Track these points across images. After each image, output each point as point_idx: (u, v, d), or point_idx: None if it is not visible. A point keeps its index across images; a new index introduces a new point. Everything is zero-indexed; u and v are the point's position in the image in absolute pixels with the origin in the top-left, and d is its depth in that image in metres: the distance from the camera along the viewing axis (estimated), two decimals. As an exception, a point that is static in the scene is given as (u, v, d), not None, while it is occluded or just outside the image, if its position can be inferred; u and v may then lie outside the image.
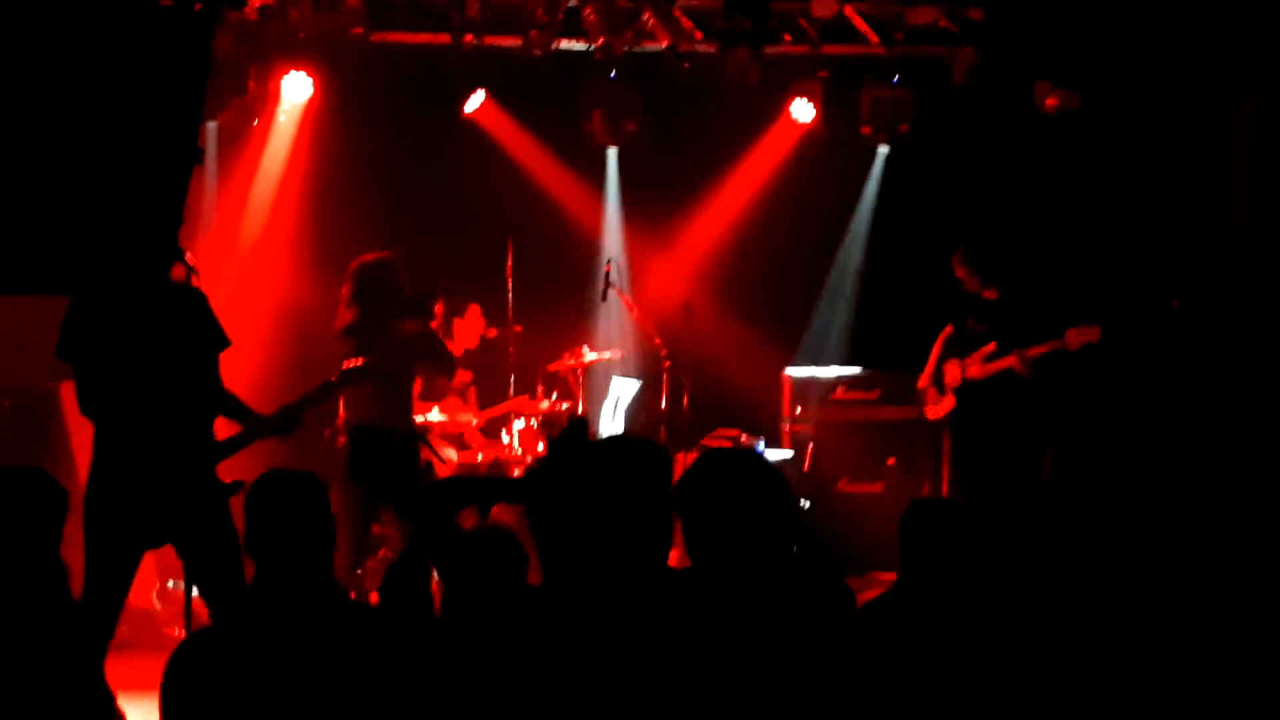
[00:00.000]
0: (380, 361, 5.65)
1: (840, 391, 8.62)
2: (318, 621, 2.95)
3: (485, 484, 3.33)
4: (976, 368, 7.54)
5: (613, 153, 9.66)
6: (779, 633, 2.84)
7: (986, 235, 8.08)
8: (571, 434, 3.09)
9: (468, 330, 8.15)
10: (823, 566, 2.99)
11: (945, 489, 7.74)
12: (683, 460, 7.87)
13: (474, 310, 8.17)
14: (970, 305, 7.72)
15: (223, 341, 4.98)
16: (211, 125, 8.36)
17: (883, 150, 9.61)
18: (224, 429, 4.96)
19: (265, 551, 3.02)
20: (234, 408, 5.02)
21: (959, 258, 7.72)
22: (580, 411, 8.00)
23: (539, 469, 3.13)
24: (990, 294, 7.64)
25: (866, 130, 9.03)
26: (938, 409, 7.77)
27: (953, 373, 7.63)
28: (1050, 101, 8.42)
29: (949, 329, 7.81)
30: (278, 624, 2.93)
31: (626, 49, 8.60)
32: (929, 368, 7.82)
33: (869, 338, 9.51)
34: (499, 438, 8.01)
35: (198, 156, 4.05)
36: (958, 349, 7.72)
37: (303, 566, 3.00)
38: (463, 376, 8.16)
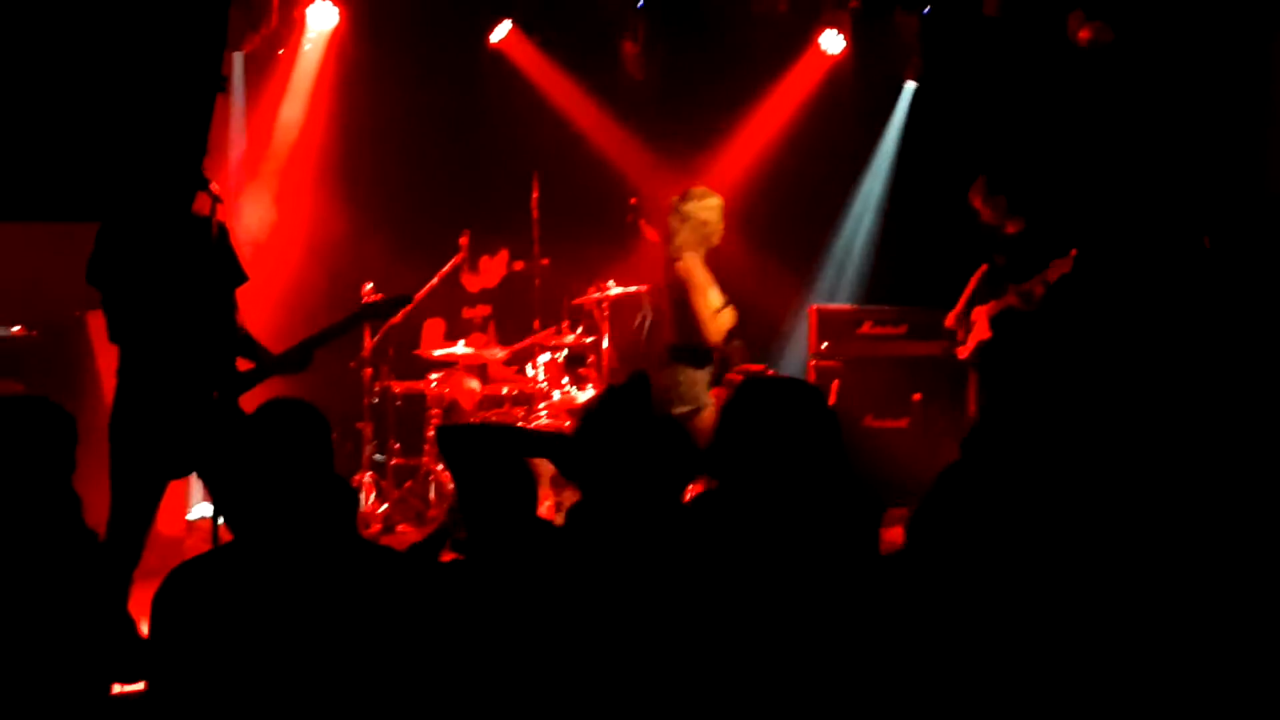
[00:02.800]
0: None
1: (867, 326, 8.57)
2: (316, 555, 2.93)
3: (519, 437, 3.29)
4: (988, 305, 7.50)
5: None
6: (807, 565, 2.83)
7: (1016, 169, 7.98)
8: (632, 391, 3.08)
9: (493, 269, 8.16)
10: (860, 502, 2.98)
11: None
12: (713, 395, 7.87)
13: (503, 254, 8.18)
14: (993, 239, 7.63)
15: (240, 276, 4.97)
16: (239, 55, 8.32)
17: (909, 85, 9.50)
18: (240, 366, 4.95)
19: (262, 483, 2.99)
20: (246, 345, 5.01)
21: (977, 189, 7.60)
22: (605, 344, 7.98)
23: (594, 419, 3.10)
24: (1012, 228, 7.53)
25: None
26: (964, 348, 7.73)
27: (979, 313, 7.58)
28: (1084, 34, 8.28)
29: (984, 267, 7.72)
30: (273, 554, 2.91)
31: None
32: (959, 306, 7.75)
33: (892, 272, 9.44)
34: (524, 371, 8.02)
35: (221, 84, 4.02)
36: (988, 288, 7.64)
37: (299, 498, 2.96)
38: (482, 310, 8.16)
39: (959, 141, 8.95)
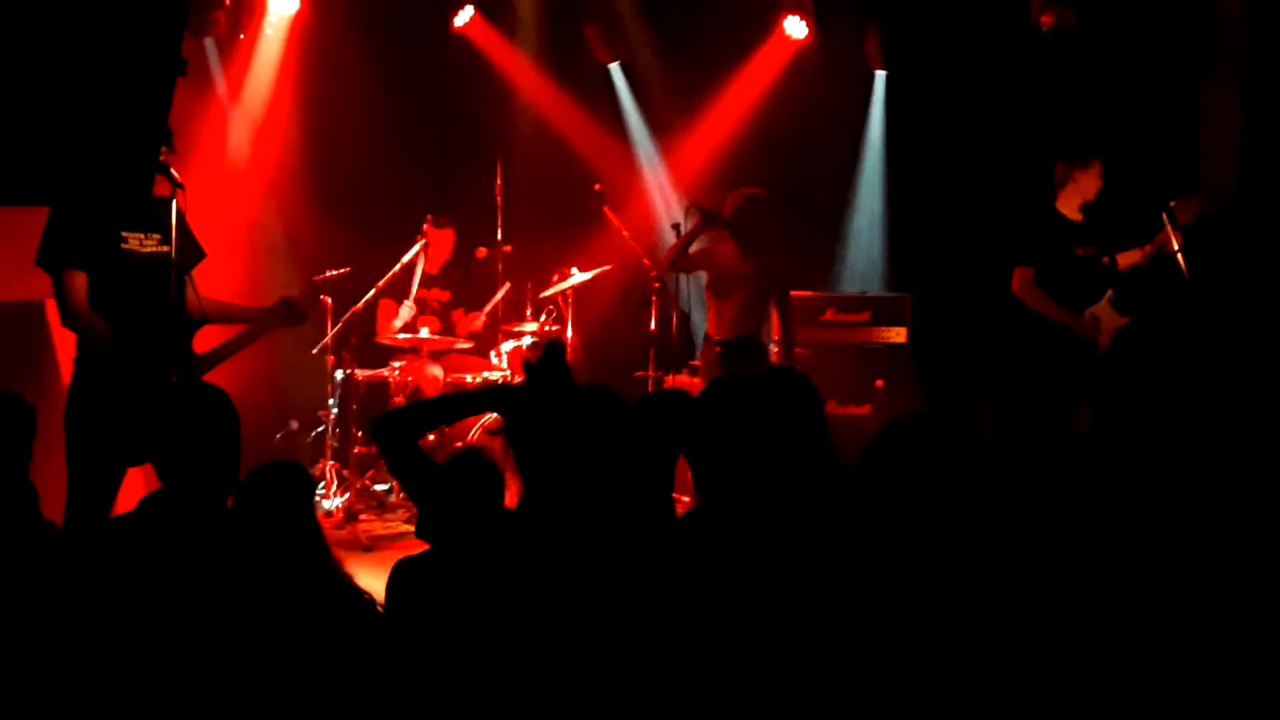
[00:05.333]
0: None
1: (830, 313, 8.57)
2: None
3: (447, 402, 3.26)
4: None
5: (615, 68, 9.57)
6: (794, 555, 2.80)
7: (990, 153, 7.95)
8: (549, 358, 3.06)
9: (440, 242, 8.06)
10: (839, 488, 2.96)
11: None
12: (671, 382, 7.85)
13: (449, 231, 8.09)
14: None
15: (198, 254, 4.94)
16: (210, 41, 8.25)
17: (880, 74, 9.52)
18: (218, 337, 4.90)
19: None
20: (230, 311, 4.99)
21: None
22: (570, 333, 7.96)
23: (519, 390, 3.07)
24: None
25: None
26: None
27: None
28: (1046, 19, 8.31)
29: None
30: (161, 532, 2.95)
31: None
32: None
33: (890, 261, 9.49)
34: (488, 358, 8.00)
35: (180, 67, 3.96)
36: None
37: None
38: (438, 294, 8.09)
39: (929, 128, 8.96)
